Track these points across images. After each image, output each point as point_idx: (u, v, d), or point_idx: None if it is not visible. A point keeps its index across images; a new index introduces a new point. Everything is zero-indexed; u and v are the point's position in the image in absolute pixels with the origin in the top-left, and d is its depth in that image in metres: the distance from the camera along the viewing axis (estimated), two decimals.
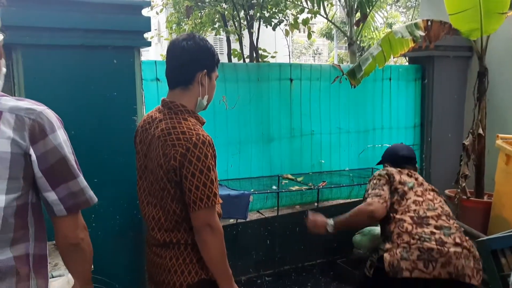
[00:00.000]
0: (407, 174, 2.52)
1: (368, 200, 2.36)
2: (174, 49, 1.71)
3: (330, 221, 2.43)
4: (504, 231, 2.01)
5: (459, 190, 3.46)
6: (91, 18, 2.43)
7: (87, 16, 2.43)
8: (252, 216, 3.24)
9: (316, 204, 3.51)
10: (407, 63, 4.36)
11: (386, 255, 2.19)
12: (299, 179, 3.26)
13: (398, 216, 2.30)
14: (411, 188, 2.42)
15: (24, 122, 1.16)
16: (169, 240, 1.67)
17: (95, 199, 1.33)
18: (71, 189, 1.24)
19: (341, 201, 3.75)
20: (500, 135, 3.29)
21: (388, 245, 2.23)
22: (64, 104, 2.40)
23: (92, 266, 1.47)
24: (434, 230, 2.18)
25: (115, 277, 2.50)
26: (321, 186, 3.22)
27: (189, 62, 1.69)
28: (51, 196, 1.22)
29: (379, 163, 2.76)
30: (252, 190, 2.83)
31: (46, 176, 1.19)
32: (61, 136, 1.22)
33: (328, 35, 17.21)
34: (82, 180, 1.28)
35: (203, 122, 1.75)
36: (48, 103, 2.33)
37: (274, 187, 3.14)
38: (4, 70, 1.29)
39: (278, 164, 3.38)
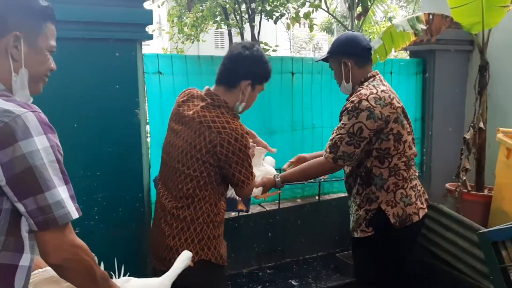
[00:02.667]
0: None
1: (338, 162, 2.12)
2: (232, 51, 1.90)
3: (278, 178, 2.32)
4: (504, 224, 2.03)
5: (459, 184, 3.47)
6: (93, 11, 2.43)
7: (88, 8, 2.42)
8: (254, 209, 3.25)
9: (317, 197, 3.52)
10: (408, 57, 4.36)
11: (387, 207, 2.14)
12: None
13: (393, 162, 2.14)
14: (404, 127, 2.18)
15: None
16: (177, 214, 1.85)
17: (74, 214, 1.16)
18: (39, 203, 1.10)
19: (343, 195, 3.76)
20: (501, 128, 3.30)
21: (383, 195, 2.15)
22: (66, 97, 2.40)
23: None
24: (414, 166, 2.29)
25: (117, 269, 2.52)
26: (322, 180, 3.23)
27: (239, 69, 1.86)
28: (20, 208, 1.11)
29: (330, 56, 2.31)
30: None
31: (10, 185, 1.08)
32: (39, 144, 1.09)
33: (329, 29, 17.19)
34: (54, 194, 1.11)
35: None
36: (49, 96, 2.35)
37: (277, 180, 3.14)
38: (16, 73, 1.21)
39: (279, 157, 3.37)
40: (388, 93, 2.14)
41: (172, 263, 1.75)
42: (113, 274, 1.60)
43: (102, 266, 1.43)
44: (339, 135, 2.11)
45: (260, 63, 1.90)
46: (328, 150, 2.15)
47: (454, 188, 3.54)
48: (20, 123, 1.08)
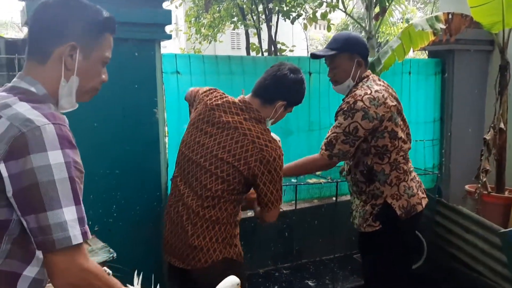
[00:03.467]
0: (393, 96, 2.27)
1: (333, 159, 2.18)
2: (277, 70, 1.94)
3: None
4: None
5: (479, 185, 3.42)
6: (113, 11, 2.43)
7: (109, 9, 2.44)
8: None
9: (334, 198, 3.50)
10: (426, 57, 4.31)
11: (392, 200, 2.20)
12: (317, 172, 3.25)
13: (393, 157, 2.21)
14: (398, 124, 2.21)
15: (12, 133, 1.01)
16: (202, 213, 1.86)
17: (75, 239, 1.04)
18: (40, 222, 1.02)
19: None
20: None
21: (387, 189, 2.21)
22: None
23: None
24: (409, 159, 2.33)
25: (134, 267, 2.54)
26: (340, 180, 3.21)
27: (280, 89, 1.92)
28: (24, 223, 1.04)
29: (341, 52, 2.22)
30: None
31: (15, 198, 1.02)
32: (52, 159, 1.02)
33: (359, 25, 17.08)
34: (57, 215, 1.02)
35: None
36: None
37: (293, 180, 3.14)
38: (66, 80, 1.18)
39: (296, 157, 3.36)
40: (381, 92, 2.17)
41: (196, 262, 1.83)
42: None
43: (138, 279, 1.42)
44: (335, 134, 2.17)
45: (300, 90, 1.98)
46: (323, 147, 2.21)
47: (474, 189, 3.48)
48: (37, 134, 1.02)
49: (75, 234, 1.04)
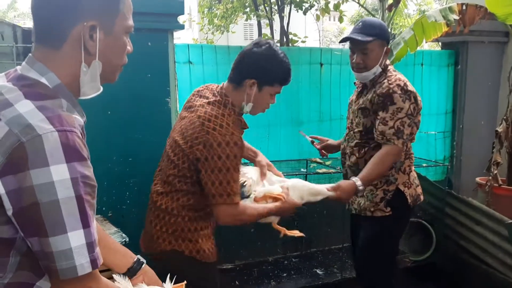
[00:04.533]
0: None
1: (404, 145, 2.13)
2: (244, 49, 1.77)
3: (358, 182, 2.06)
4: None
5: (490, 178, 3.41)
6: None
7: None
8: None
9: None
10: (439, 49, 4.28)
11: (404, 188, 2.24)
12: (327, 162, 3.27)
13: (409, 146, 2.27)
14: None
15: (10, 142, 0.85)
16: (155, 199, 1.80)
17: (83, 269, 0.90)
18: (43, 248, 0.88)
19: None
20: None
21: (401, 176, 2.25)
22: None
23: None
24: None
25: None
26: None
27: (244, 66, 1.72)
28: (29, 243, 0.91)
29: (376, 39, 2.16)
30: (280, 172, 2.87)
31: (16, 218, 0.88)
32: (55, 175, 0.85)
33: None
34: (60, 242, 0.87)
35: (243, 128, 1.79)
36: None
37: (302, 170, 3.17)
38: (88, 65, 1.01)
39: (307, 147, 3.40)
40: None
41: (148, 247, 1.81)
42: None
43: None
44: (400, 120, 2.10)
45: (269, 62, 1.70)
46: (394, 137, 2.10)
47: (485, 182, 3.47)
48: (37, 145, 0.85)
49: (82, 263, 0.90)
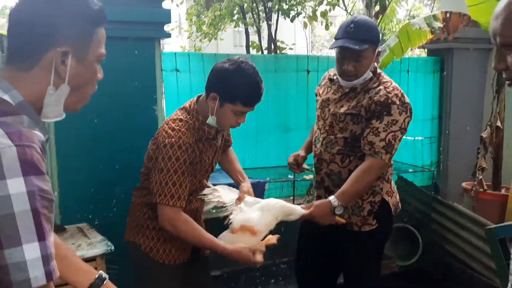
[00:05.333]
0: None
1: (388, 160, 2.01)
2: (217, 63, 1.80)
3: (334, 201, 1.99)
4: None
5: (476, 183, 3.46)
6: (114, 10, 2.51)
7: (109, 8, 2.49)
8: None
9: None
10: (425, 56, 4.34)
11: (388, 197, 2.14)
12: (314, 169, 3.29)
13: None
14: None
15: None
16: (133, 196, 1.97)
17: (37, 281, 0.89)
18: None
19: None
20: None
21: (386, 186, 2.15)
22: None
23: None
24: None
25: None
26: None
27: (211, 79, 1.77)
28: None
29: (371, 44, 1.99)
30: (268, 178, 2.90)
31: None
32: (11, 188, 0.87)
33: None
34: (14, 254, 0.87)
35: (205, 137, 1.81)
36: None
37: (290, 177, 3.19)
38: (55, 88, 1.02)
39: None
40: None
41: (125, 240, 1.95)
42: None
43: None
44: (393, 133, 1.98)
45: (233, 80, 1.69)
46: (383, 151, 1.98)
47: (470, 187, 3.52)
48: None
49: (37, 276, 0.90)
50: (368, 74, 2.04)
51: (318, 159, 2.23)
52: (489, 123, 3.51)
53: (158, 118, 2.71)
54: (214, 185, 1.99)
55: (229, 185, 2.09)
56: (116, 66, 2.56)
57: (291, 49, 4.54)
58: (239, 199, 1.96)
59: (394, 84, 2.07)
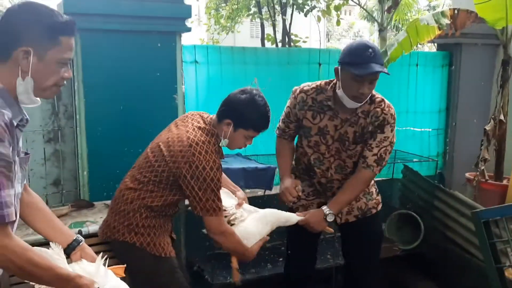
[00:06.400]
0: None
1: (378, 171, 2.23)
2: (232, 93, 2.01)
3: (327, 210, 2.22)
4: None
5: (478, 173, 3.61)
6: (139, 6, 2.74)
7: (135, 4, 2.74)
8: (276, 188, 3.54)
9: None
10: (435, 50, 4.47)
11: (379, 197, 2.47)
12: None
13: None
14: None
15: None
16: (122, 193, 2.00)
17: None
18: None
19: None
20: None
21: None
22: (114, 81, 2.73)
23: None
24: None
25: None
26: None
27: (226, 107, 1.97)
28: None
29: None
30: None
31: None
32: None
33: (370, 18, 17.04)
34: None
35: (221, 157, 2.00)
36: (100, 80, 2.69)
37: None
38: (22, 79, 1.31)
39: None
40: None
41: (108, 239, 2.00)
42: None
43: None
44: (384, 148, 2.20)
45: (247, 109, 1.93)
46: (375, 164, 2.20)
47: (473, 177, 3.67)
48: None
49: (7, 213, 1.19)
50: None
51: (328, 180, 2.36)
52: (492, 116, 3.65)
53: (178, 106, 2.94)
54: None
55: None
56: (140, 58, 2.80)
57: (304, 42, 4.71)
58: (239, 205, 2.18)
59: (385, 101, 2.21)
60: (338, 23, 4.76)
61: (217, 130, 1.99)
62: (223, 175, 2.20)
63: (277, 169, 2.92)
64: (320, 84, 2.29)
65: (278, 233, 3.56)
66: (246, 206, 2.24)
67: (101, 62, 2.69)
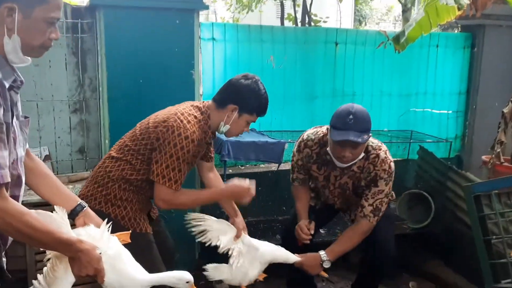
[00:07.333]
0: None
1: (376, 221, 2.36)
2: (233, 78, 2.06)
3: (324, 256, 2.30)
4: None
5: (493, 156, 3.59)
6: None
7: None
8: (285, 166, 3.66)
9: None
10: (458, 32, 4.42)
11: None
12: None
13: None
14: None
15: None
16: (103, 161, 2.06)
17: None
18: None
19: None
20: None
21: None
22: (135, 56, 2.89)
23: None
24: None
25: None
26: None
27: (231, 92, 2.02)
28: None
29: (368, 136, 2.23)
30: (289, 140, 3.20)
31: None
32: None
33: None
34: None
35: (205, 141, 2.04)
36: (122, 54, 2.85)
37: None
38: (9, 37, 1.28)
39: (319, 121, 3.68)
40: None
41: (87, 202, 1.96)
42: None
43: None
44: (380, 200, 2.35)
45: (251, 96, 1.99)
46: (371, 214, 2.34)
47: (489, 159, 3.66)
48: None
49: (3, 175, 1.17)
50: (361, 155, 2.30)
51: (340, 208, 2.66)
52: (511, 99, 3.60)
53: (195, 81, 3.08)
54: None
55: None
56: (160, 34, 2.94)
57: (325, 22, 4.74)
58: (237, 237, 2.21)
59: (381, 155, 2.32)
60: (357, 2, 4.74)
61: (211, 114, 2.02)
62: (230, 201, 2.26)
63: (286, 144, 3.03)
64: (323, 136, 2.42)
65: (288, 206, 3.69)
66: (245, 239, 2.24)
67: (122, 37, 2.85)
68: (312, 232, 2.40)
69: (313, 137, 2.45)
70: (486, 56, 4.06)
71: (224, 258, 2.22)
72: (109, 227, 1.60)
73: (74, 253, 1.39)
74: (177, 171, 1.89)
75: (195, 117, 1.97)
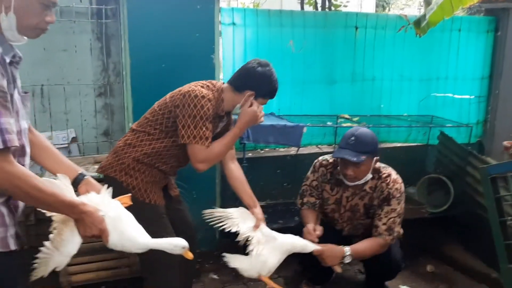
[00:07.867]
0: None
1: (391, 240, 2.47)
2: (248, 62, 2.17)
3: (348, 251, 2.39)
4: None
5: None
6: None
7: None
8: (312, 149, 3.69)
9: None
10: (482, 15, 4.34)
11: None
12: (354, 119, 3.58)
13: None
14: None
15: None
16: (126, 133, 2.20)
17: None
18: None
19: (399, 144, 4.03)
20: None
21: None
22: (157, 41, 2.96)
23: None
24: None
25: (194, 185, 3.10)
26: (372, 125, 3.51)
27: (248, 80, 2.13)
28: None
29: (368, 156, 2.39)
30: (308, 124, 3.23)
31: None
32: None
33: None
34: None
35: (219, 113, 2.14)
36: (144, 39, 2.92)
37: (328, 123, 3.47)
38: (5, 14, 1.33)
39: (338, 105, 3.72)
40: None
41: (102, 172, 2.14)
42: None
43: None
44: (392, 219, 2.47)
45: (266, 82, 2.13)
46: (386, 233, 2.46)
47: (510, 145, 3.62)
48: None
49: (7, 139, 1.24)
50: (368, 176, 2.47)
51: (347, 235, 2.71)
52: None
53: (215, 65, 3.14)
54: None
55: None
56: (181, 19, 3.00)
57: (345, 6, 4.71)
58: (256, 226, 2.25)
59: (392, 175, 2.50)
60: None
61: (226, 95, 2.15)
62: (245, 182, 2.35)
63: (305, 127, 3.07)
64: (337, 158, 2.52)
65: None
66: (264, 229, 2.28)
67: (145, 23, 2.92)
68: (319, 233, 2.43)
69: (328, 158, 2.66)
70: (510, 40, 3.98)
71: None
72: (109, 192, 1.68)
73: (78, 215, 1.47)
74: (204, 128, 2.01)
75: (208, 86, 2.13)
